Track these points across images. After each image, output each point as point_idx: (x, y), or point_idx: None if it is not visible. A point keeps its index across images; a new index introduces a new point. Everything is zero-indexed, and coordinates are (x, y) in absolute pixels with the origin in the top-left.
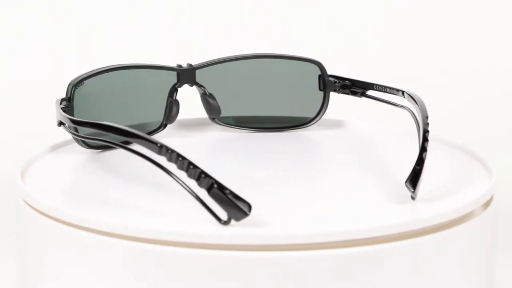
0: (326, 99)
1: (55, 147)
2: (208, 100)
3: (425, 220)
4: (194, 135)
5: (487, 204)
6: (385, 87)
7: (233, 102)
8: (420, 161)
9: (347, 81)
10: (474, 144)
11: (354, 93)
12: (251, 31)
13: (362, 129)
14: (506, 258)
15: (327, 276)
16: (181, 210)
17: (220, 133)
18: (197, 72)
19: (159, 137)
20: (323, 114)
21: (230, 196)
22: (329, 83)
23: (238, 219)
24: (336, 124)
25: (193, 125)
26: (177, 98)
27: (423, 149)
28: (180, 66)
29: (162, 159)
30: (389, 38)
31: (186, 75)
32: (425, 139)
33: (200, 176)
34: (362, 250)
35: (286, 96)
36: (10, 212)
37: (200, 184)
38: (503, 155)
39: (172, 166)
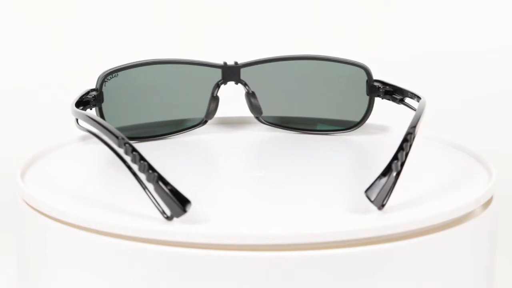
0: (371, 104)
1: (55, 147)
2: (250, 98)
3: (425, 220)
4: (234, 133)
5: (487, 204)
6: (416, 95)
7: (277, 102)
8: (388, 170)
9: (388, 86)
10: (474, 144)
11: (394, 100)
12: (252, 31)
13: (451, 146)
14: (506, 258)
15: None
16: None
17: (261, 133)
18: (242, 70)
19: (201, 132)
20: (367, 119)
21: (170, 192)
22: (374, 88)
23: (177, 215)
24: (381, 129)
25: (237, 123)
26: (218, 94)
27: (394, 158)
28: (225, 63)
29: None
30: (390, 37)
31: (231, 72)
32: (400, 148)
33: (148, 170)
34: (362, 250)
35: (330, 99)
36: (10, 212)
37: (147, 178)
38: (503, 155)
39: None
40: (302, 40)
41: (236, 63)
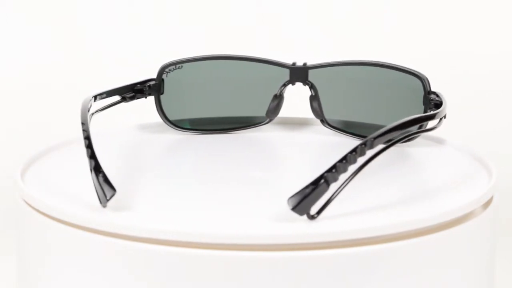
0: None
1: (55, 147)
2: (312, 101)
3: (425, 220)
4: (288, 133)
5: (487, 204)
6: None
7: (340, 106)
8: (318, 180)
9: (438, 98)
10: (474, 144)
11: None
12: (253, 31)
13: (451, 147)
14: (506, 258)
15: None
16: (184, 209)
17: (316, 136)
18: (310, 71)
19: (262, 130)
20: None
21: (103, 179)
22: (428, 100)
23: (103, 202)
24: (437, 141)
25: (300, 124)
26: (283, 94)
27: (331, 168)
28: (294, 63)
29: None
30: (390, 37)
31: (299, 73)
32: (343, 159)
33: (90, 157)
34: (362, 250)
35: (390, 107)
36: (10, 212)
37: (89, 164)
38: (503, 155)
39: None
40: (302, 40)
41: (305, 64)
